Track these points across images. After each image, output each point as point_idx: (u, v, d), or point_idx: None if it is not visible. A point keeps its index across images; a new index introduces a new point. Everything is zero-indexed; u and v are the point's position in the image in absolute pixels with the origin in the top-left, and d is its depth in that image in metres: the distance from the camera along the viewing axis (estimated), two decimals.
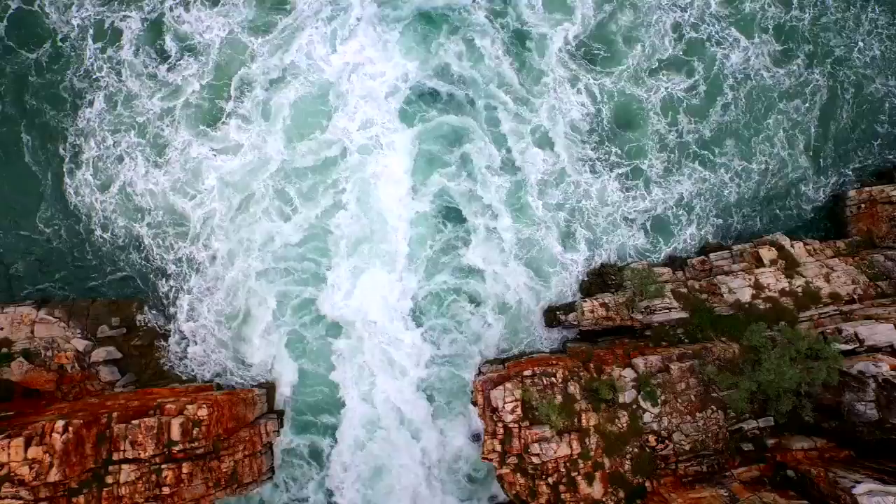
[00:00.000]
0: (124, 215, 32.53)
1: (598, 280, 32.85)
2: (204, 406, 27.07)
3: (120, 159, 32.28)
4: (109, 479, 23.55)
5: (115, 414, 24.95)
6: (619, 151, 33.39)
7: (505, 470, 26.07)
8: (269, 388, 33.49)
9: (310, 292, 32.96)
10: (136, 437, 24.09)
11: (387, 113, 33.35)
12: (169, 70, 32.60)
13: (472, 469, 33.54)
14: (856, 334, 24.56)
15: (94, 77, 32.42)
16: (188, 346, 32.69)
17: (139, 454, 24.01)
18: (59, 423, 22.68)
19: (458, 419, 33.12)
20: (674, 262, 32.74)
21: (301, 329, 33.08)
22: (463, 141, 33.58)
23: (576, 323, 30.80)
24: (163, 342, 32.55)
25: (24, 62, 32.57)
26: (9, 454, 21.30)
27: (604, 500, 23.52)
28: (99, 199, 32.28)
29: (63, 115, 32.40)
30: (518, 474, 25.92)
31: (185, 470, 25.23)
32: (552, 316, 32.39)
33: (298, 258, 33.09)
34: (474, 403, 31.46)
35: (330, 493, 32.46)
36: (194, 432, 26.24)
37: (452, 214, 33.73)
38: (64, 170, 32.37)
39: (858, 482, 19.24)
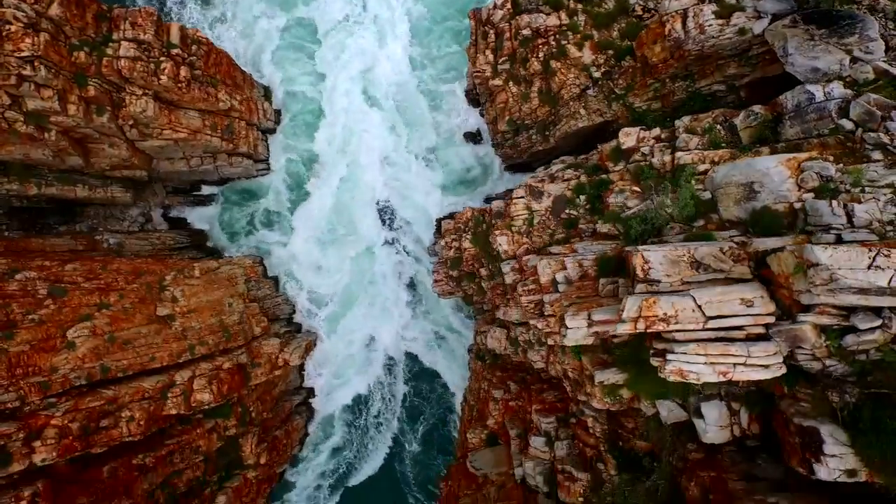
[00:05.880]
0: None
1: None
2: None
3: None
4: (109, 52, 23.99)
5: None
6: None
7: (497, 81, 26.62)
8: (267, 90, 34.18)
9: None
10: (136, 19, 24.59)
11: None
12: None
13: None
14: None
15: None
16: None
17: (139, 35, 24.48)
18: None
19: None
20: None
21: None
22: None
23: None
24: None
25: None
26: None
27: (593, 61, 23.92)
28: None
29: None
30: (510, 83, 26.45)
31: (182, 73, 25.70)
32: None
33: None
34: (469, 64, 32.15)
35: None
36: (193, 48, 26.84)
37: None
38: None
39: None
